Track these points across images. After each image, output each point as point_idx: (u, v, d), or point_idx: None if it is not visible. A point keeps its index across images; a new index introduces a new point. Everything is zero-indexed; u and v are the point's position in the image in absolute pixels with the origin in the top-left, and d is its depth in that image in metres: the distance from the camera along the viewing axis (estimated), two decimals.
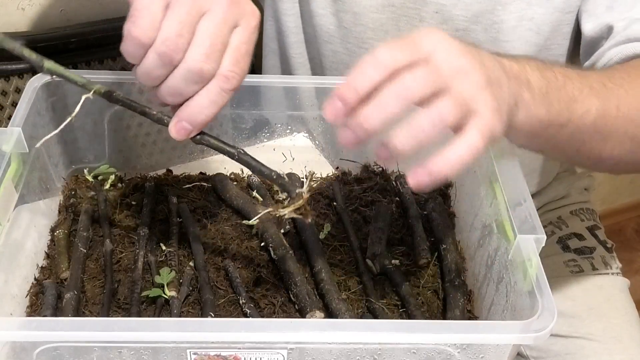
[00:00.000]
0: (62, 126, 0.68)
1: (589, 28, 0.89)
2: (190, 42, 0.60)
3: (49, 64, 0.67)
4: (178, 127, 0.63)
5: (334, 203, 0.87)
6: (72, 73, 0.67)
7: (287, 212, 0.65)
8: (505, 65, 0.63)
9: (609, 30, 0.86)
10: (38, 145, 0.74)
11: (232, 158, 0.66)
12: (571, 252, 1.09)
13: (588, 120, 0.70)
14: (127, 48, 0.60)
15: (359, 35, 0.98)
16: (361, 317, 0.74)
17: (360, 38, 0.97)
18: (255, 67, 1.15)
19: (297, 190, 0.65)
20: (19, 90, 1.10)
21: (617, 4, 0.86)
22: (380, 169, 0.93)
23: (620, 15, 0.85)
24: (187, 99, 0.62)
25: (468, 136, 0.57)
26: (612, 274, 1.08)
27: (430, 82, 0.56)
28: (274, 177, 0.66)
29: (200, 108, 0.62)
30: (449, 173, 0.57)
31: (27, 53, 0.66)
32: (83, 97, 0.66)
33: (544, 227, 0.67)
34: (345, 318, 0.71)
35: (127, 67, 1.20)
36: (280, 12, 1.04)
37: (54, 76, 0.68)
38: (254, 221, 0.79)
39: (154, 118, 0.66)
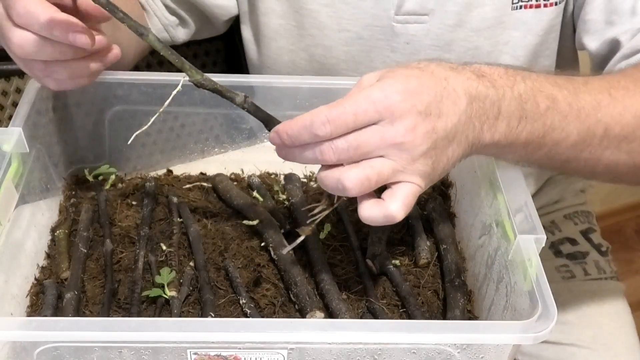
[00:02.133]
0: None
1: (594, 47, 0.87)
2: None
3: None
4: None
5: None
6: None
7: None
8: (475, 102, 0.62)
9: (615, 44, 0.84)
10: None
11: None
12: (563, 257, 1.08)
13: (565, 145, 0.68)
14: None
15: (332, 67, 0.97)
16: (361, 317, 0.74)
17: (333, 70, 0.97)
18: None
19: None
20: (19, 90, 1.10)
21: (616, 17, 0.84)
22: None
23: (622, 28, 0.83)
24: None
25: (386, 207, 0.60)
26: (606, 278, 1.06)
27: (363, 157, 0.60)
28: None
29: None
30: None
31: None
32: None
33: None
34: (345, 318, 0.71)
35: None
36: (243, 50, 1.04)
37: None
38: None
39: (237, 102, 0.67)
